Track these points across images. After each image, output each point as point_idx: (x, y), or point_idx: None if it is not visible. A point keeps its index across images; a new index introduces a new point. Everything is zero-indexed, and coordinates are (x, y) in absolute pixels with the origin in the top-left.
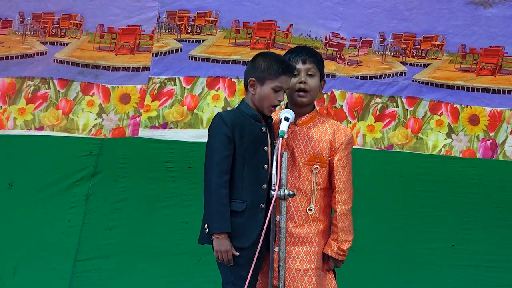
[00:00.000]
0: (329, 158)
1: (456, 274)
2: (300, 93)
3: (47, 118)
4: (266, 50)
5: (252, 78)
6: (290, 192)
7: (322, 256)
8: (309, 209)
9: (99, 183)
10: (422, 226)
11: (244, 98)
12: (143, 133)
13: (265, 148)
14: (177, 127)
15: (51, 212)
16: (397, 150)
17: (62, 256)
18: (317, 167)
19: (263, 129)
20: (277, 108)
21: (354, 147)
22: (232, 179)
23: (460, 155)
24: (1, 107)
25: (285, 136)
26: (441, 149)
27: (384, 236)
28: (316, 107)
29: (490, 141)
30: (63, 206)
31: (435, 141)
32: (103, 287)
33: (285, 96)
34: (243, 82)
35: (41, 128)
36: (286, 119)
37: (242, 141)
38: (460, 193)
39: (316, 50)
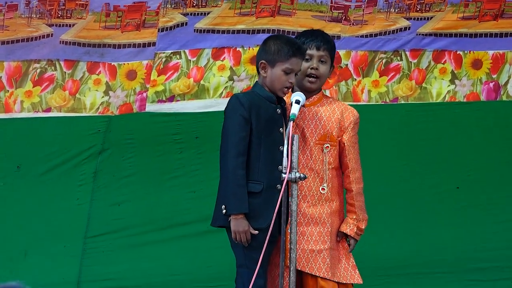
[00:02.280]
0: (339, 138)
1: (461, 215)
2: (310, 79)
3: (54, 100)
4: (277, 34)
5: (263, 61)
6: (301, 174)
7: (336, 235)
8: (322, 188)
9: (107, 160)
10: (428, 172)
11: (257, 81)
12: (150, 107)
13: (281, 129)
14: (184, 99)
15: (60, 191)
16: (402, 102)
17: (72, 234)
18: (328, 146)
19: (278, 111)
20: (290, 90)
21: (359, 103)
22: (248, 160)
23: (464, 100)
24: (8, 90)
25: (296, 117)
26: (445, 96)
27: (391, 187)
28: (321, 88)
29: (493, 83)
30: (71, 185)
31: (439, 89)
32: (114, 262)
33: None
34: (256, 63)
35: (48, 110)
36: (297, 102)
37: (259, 122)
38: (465, 136)
39: (322, 13)
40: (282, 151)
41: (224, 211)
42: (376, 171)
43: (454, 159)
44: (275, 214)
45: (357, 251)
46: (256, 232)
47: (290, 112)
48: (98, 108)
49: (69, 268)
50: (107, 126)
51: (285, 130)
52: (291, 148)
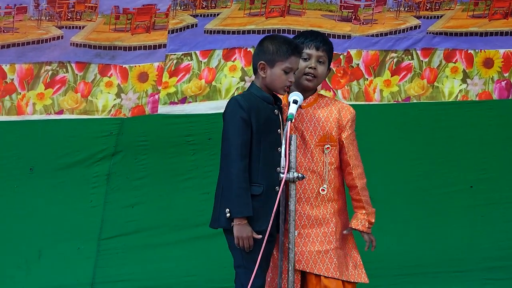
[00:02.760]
0: (338, 137)
1: (475, 214)
2: (308, 77)
3: (66, 102)
4: (272, 34)
5: (262, 62)
6: (299, 174)
7: (340, 234)
8: (322, 189)
9: (120, 162)
10: (441, 171)
11: (253, 81)
12: (163, 109)
13: (278, 130)
14: (196, 101)
15: (73, 193)
16: (414, 101)
17: (86, 236)
18: (328, 147)
19: (276, 111)
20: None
21: (371, 103)
22: (249, 162)
23: (477, 99)
24: (20, 93)
25: (294, 117)
26: (457, 95)
27: (404, 186)
28: (316, 88)
29: (505, 81)
30: (84, 187)
31: (451, 88)
32: (128, 263)
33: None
34: (252, 64)
35: (60, 112)
36: (295, 102)
37: (258, 124)
38: (478, 135)
39: (332, 13)
40: (280, 152)
41: (228, 214)
42: (390, 170)
43: (468, 158)
44: (273, 214)
45: (371, 252)
46: (259, 236)
47: (287, 112)
48: (110, 110)
49: (83, 269)
50: (120, 129)
51: (283, 131)
52: (289, 148)
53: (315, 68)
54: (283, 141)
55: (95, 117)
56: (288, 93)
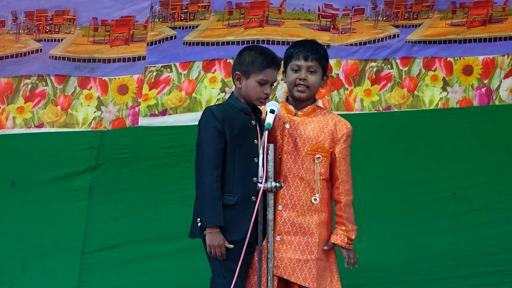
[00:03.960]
0: (331, 149)
1: (459, 221)
2: (299, 88)
3: (46, 115)
4: (252, 45)
5: (238, 72)
6: (277, 184)
7: (323, 246)
8: (314, 199)
9: (102, 175)
10: (424, 179)
11: (232, 92)
12: (143, 121)
13: (255, 141)
14: (177, 113)
15: (56, 207)
16: (395, 110)
17: (70, 250)
18: (319, 157)
19: (253, 122)
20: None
21: (352, 112)
22: (223, 172)
23: (457, 106)
24: (0, 107)
25: (271, 126)
26: (438, 103)
27: (389, 194)
28: (317, 100)
29: (485, 88)
30: (67, 201)
31: (431, 96)
32: (113, 277)
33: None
34: (231, 74)
35: (41, 125)
36: (272, 111)
37: (233, 134)
38: (459, 142)
39: (310, 22)
40: (257, 163)
41: (199, 224)
42: (373, 178)
43: (450, 165)
44: (251, 225)
45: (357, 260)
46: (231, 246)
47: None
48: (91, 123)
49: (67, 283)
50: (101, 141)
51: (261, 141)
52: (267, 157)
53: (305, 79)
54: (261, 151)
55: (76, 130)
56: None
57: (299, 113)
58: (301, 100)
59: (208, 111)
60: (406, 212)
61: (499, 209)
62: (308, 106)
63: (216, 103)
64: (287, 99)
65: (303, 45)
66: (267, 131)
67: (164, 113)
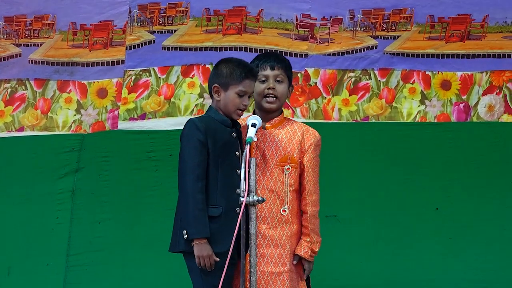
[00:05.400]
0: (300, 160)
1: (442, 236)
2: (268, 99)
3: (26, 119)
4: (228, 57)
5: (216, 85)
6: (259, 198)
7: (292, 258)
8: (283, 210)
9: (84, 178)
10: (404, 193)
11: (211, 105)
12: (123, 125)
13: (237, 153)
14: (156, 117)
15: (39, 210)
16: (373, 121)
17: (54, 252)
18: (288, 168)
19: (234, 134)
20: (244, 112)
21: (330, 121)
22: (207, 184)
23: (435, 120)
24: None
25: (255, 139)
26: (415, 116)
27: (368, 206)
28: (283, 110)
29: (463, 104)
30: (50, 204)
31: (409, 109)
32: (98, 279)
33: (252, 101)
34: (208, 90)
35: (21, 129)
36: (254, 125)
37: (215, 146)
38: (438, 157)
39: (288, 31)
40: (240, 175)
41: (185, 236)
42: (351, 190)
43: (431, 179)
44: (234, 238)
45: (340, 272)
46: (218, 259)
47: (246, 135)
48: (71, 126)
49: (53, 285)
50: (81, 144)
51: (241, 154)
52: (249, 171)
53: (274, 88)
54: (243, 164)
55: (56, 133)
56: (254, 113)
57: (266, 125)
58: (270, 112)
59: (191, 123)
60: (389, 224)
61: (481, 227)
62: (276, 118)
63: (197, 116)
64: (254, 112)
65: (268, 56)
66: (249, 144)
67: (143, 117)
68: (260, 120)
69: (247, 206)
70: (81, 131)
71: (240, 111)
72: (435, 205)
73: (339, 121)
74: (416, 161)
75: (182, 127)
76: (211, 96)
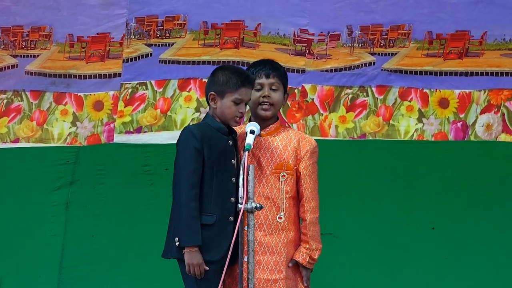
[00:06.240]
0: (296, 167)
1: (439, 255)
2: (263, 107)
3: (21, 130)
4: (225, 65)
5: (212, 92)
6: (258, 205)
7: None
8: (279, 217)
9: (78, 191)
10: (400, 211)
11: (207, 112)
12: (118, 138)
13: (232, 161)
14: (152, 131)
15: (33, 222)
16: (370, 138)
17: (47, 264)
18: (284, 175)
19: (230, 142)
20: (243, 120)
21: (326, 138)
22: (201, 192)
23: (432, 139)
24: None
25: (251, 147)
26: (413, 134)
27: (364, 224)
28: (278, 117)
29: (461, 122)
30: (44, 216)
31: (407, 127)
32: None
33: (248, 108)
34: (205, 95)
35: (16, 140)
36: (252, 132)
37: (211, 154)
38: (435, 176)
39: (285, 46)
40: (234, 183)
41: (177, 243)
42: (346, 209)
43: (427, 198)
44: (232, 244)
45: (333, 286)
46: (207, 268)
47: (244, 142)
48: (66, 138)
49: None
50: (76, 157)
51: (237, 162)
52: (247, 178)
53: (269, 96)
54: (241, 171)
55: (51, 145)
56: (250, 120)
57: (262, 132)
58: (265, 119)
59: (187, 131)
60: (380, 243)
61: (478, 247)
62: (271, 125)
63: (194, 123)
64: (249, 120)
65: (263, 63)
66: (247, 151)
67: (139, 130)
68: (258, 127)
69: (244, 213)
70: (77, 143)
71: (237, 119)
72: (431, 224)
73: (336, 138)
74: (413, 180)
75: None
76: (208, 104)
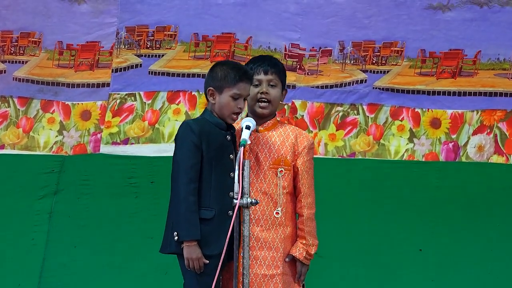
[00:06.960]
0: (293, 163)
1: (425, 277)
2: (261, 104)
3: (7, 137)
4: (224, 59)
5: (211, 88)
6: (253, 200)
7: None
8: (276, 212)
9: (62, 201)
10: (388, 232)
11: (206, 107)
12: (105, 149)
13: (231, 156)
14: (139, 143)
15: (15, 230)
16: (360, 157)
17: (27, 273)
18: (282, 170)
19: (228, 137)
20: (239, 116)
21: (316, 156)
22: (200, 187)
23: (423, 159)
24: None
25: (248, 142)
26: (403, 154)
27: (352, 243)
28: (276, 115)
29: (452, 143)
30: (26, 225)
31: (397, 147)
32: None
33: (246, 104)
34: (203, 92)
35: (1, 147)
36: (248, 127)
37: (209, 149)
38: (425, 197)
39: None
40: (233, 178)
41: (176, 238)
42: (334, 228)
43: (415, 220)
44: (227, 240)
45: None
46: (207, 261)
47: (240, 138)
48: (52, 147)
49: None
50: (61, 166)
51: (235, 157)
52: (242, 173)
53: (267, 93)
54: (236, 167)
55: (37, 154)
56: (247, 116)
57: (259, 128)
58: (264, 116)
59: (185, 125)
60: (367, 263)
61: (465, 270)
62: (269, 121)
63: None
64: (247, 116)
65: (262, 59)
66: (243, 147)
67: (126, 142)
68: (254, 122)
69: (240, 208)
70: (62, 152)
71: (235, 115)
72: (419, 245)
73: (325, 156)
74: (402, 200)
75: (165, 154)
76: (207, 99)
